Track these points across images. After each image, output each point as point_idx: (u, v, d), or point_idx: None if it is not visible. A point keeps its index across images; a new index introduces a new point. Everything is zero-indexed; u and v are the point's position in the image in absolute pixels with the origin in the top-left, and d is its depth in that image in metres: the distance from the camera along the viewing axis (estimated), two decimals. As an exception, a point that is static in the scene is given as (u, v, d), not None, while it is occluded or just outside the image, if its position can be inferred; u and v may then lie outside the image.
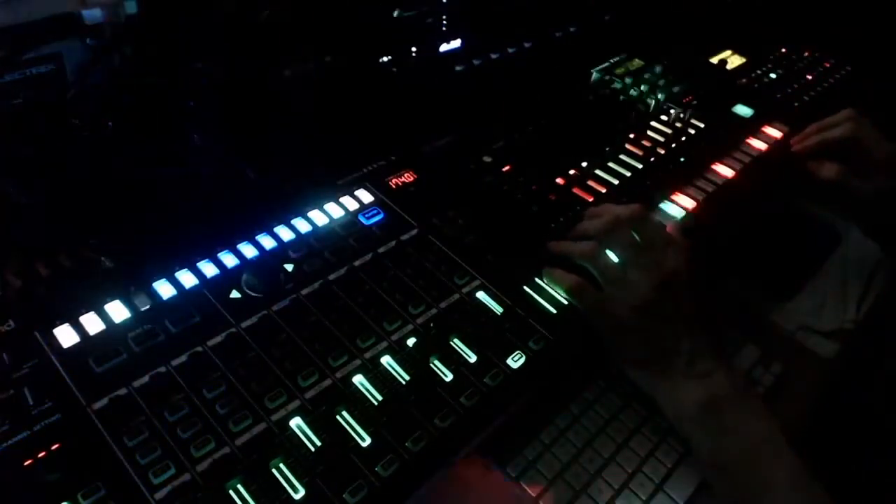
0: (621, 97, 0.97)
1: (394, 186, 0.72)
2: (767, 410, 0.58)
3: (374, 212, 0.68)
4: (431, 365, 0.55)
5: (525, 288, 0.63)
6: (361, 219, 0.67)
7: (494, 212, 0.71)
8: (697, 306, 0.60)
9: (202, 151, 0.72)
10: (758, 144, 0.92)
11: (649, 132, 0.90)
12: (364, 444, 0.49)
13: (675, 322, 0.58)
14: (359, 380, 0.53)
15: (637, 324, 0.58)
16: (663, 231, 0.64)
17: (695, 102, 0.95)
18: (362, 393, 0.52)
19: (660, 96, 0.95)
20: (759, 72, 1.10)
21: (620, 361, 0.62)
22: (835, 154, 0.80)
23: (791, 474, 0.54)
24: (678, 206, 0.78)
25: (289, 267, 0.60)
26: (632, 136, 0.88)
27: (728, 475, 0.56)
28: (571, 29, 1.06)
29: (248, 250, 0.61)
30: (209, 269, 0.59)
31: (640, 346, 0.59)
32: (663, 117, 0.93)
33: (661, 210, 0.77)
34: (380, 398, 0.52)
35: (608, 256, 0.61)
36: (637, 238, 0.62)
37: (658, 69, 1.03)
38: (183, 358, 0.52)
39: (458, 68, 0.91)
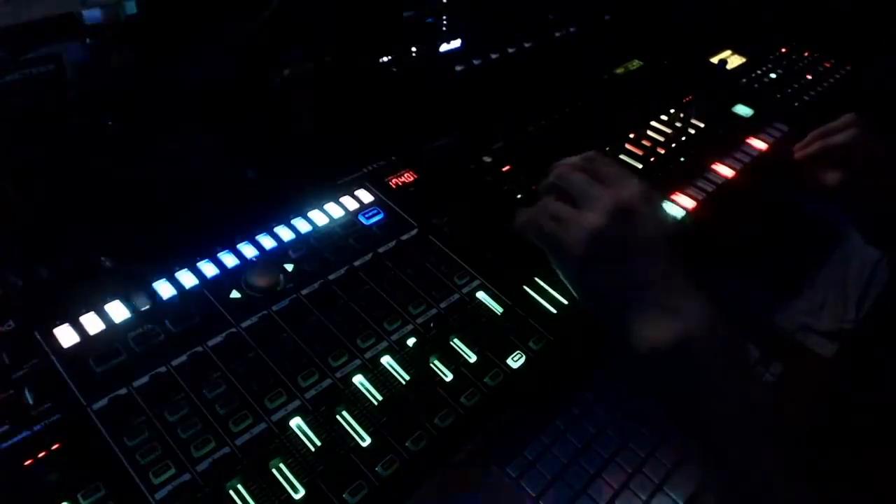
0: (621, 97, 0.97)
1: (394, 186, 0.72)
2: (742, 357, 0.52)
3: (374, 212, 0.68)
4: (431, 365, 0.55)
5: (525, 288, 0.63)
6: (361, 219, 0.67)
7: (495, 212, 0.71)
8: (664, 238, 0.55)
9: (202, 151, 0.72)
10: (758, 144, 0.92)
11: (649, 132, 0.90)
12: (364, 444, 0.49)
13: (635, 251, 0.53)
14: (359, 380, 0.53)
15: (594, 253, 0.54)
16: (618, 167, 0.60)
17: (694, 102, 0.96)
18: (362, 393, 0.52)
19: (659, 96, 0.95)
20: (759, 72, 1.10)
21: (592, 306, 0.58)
22: (837, 160, 0.80)
23: (790, 477, 0.53)
24: (678, 206, 0.78)
25: (289, 267, 0.60)
26: (632, 136, 0.88)
27: (692, 419, 0.50)
28: (571, 29, 1.07)
29: (248, 250, 0.61)
30: (209, 269, 0.59)
31: (604, 279, 0.55)
32: (663, 117, 0.93)
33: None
34: (380, 398, 0.52)
35: (559, 202, 0.58)
36: (589, 176, 0.58)
37: (658, 69, 1.03)
38: (183, 358, 0.52)
39: (458, 68, 0.91)
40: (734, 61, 1.12)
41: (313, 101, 0.79)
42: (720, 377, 0.50)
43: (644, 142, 0.88)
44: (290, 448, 0.48)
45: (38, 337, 0.51)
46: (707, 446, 0.50)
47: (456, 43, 0.89)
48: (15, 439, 0.45)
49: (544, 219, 0.58)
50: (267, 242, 0.62)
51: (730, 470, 0.49)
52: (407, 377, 0.54)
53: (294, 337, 0.55)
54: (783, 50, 1.18)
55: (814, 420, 0.71)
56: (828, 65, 1.16)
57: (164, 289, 0.57)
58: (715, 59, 1.10)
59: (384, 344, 0.56)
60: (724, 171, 0.86)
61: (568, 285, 0.59)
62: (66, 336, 0.52)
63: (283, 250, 0.62)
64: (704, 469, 0.53)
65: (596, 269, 0.55)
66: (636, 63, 1.06)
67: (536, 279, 0.64)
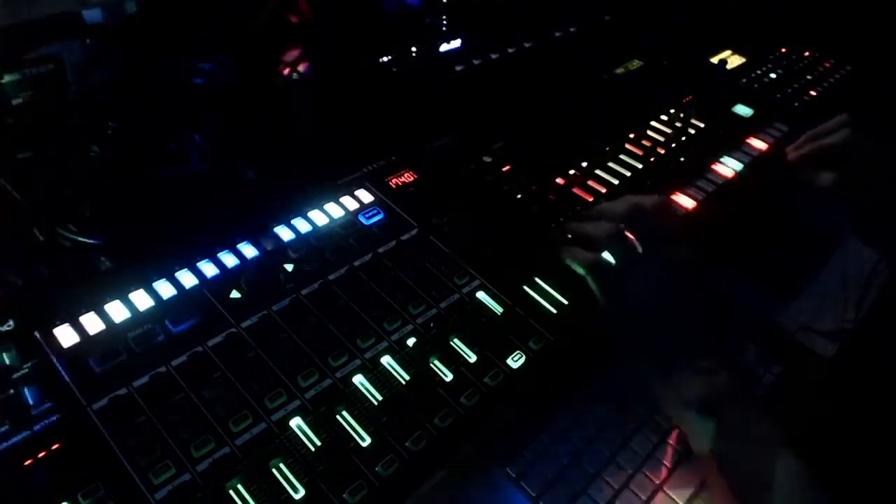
0: (621, 97, 0.97)
1: (394, 186, 0.72)
2: (767, 413, 0.58)
3: (374, 212, 0.68)
4: (431, 365, 0.55)
5: (525, 288, 0.63)
6: (361, 219, 0.67)
7: (495, 212, 0.71)
8: (707, 303, 0.60)
9: (202, 151, 0.72)
10: (758, 144, 0.92)
11: (649, 132, 0.90)
12: (364, 444, 0.49)
13: (684, 316, 0.58)
14: (359, 380, 0.53)
15: (649, 313, 0.58)
16: (681, 224, 0.65)
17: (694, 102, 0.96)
18: (362, 393, 0.52)
19: (659, 96, 0.95)
20: (759, 72, 1.10)
21: (628, 349, 0.62)
22: (831, 161, 0.80)
23: (790, 477, 0.54)
24: (678, 206, 0.78)
25: (289, 267, 0.60)
26: (632, 136, 0.88)
27: (727, 476, 0.56)
28: (571, 29, 1.07)
29: (248, 250, 0.61)
30: (209, 269, 0.59)
31: (648, 335, 0.59)
32: (663, 117, 0.93)
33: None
34: (380, 398, 0.52)
35: (630, 241, 0.61)
36: (656, 225, 0.62)
37: (658, 69, 1.03)
38: (183, 358, 0.52)
39: (458, 68, 0.91)
40: (734, 61, 1.12)
41: (314, 100, 0.79)
42: (742, 424, 0.56)
43: (644, 142, 0.88)
44: (290, 448, 0.48)
45: (38, 337, 0.51)
46: (730, 479, 0.55)
47: (456, 43, 0.89)
48: (15, 439, 0.45)
49: (602, 244, 0.61)
50: (267, 242, 0.62)
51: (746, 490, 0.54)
52: (407, 377, 0.54)
53: (294, 337, 0.55)
54: (783, 50, 1.18)
55: (814, 420, 0.71)
56: (828, 65, 1.16)
57: (164, 289, 0.57)
58: (715, 59, 1.10)
59: (384, 344, 0.56)
60: (724, 171, 0.86)
61: (600, 302, 0.61)
62: (66, 336, 0.52)
63: (283, 250, 0.62)
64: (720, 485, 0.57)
65: (644, 326, 0.59)
66: (636, 63, 1.06)
67: (536, 279, 0.64)
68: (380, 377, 0.54)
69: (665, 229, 0.62)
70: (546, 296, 0.63)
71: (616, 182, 0.80)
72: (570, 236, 0.66)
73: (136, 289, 0.56)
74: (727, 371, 0.57)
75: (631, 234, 0.61)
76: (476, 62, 0.92)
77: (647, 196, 0.64)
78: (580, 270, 0.62)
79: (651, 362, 0.60)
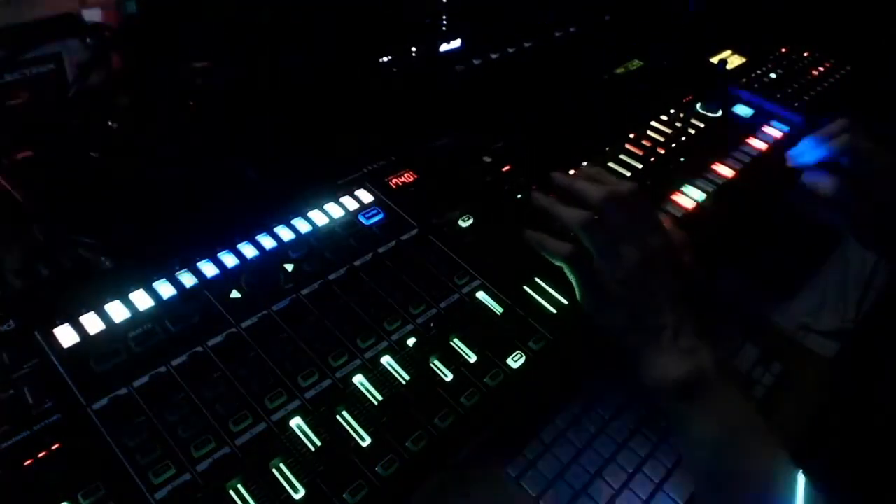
0: (621, 97, 0.97)
1: (394, 186, 0.72)
2: (746, 396, 0.58)
3: (374, 212, 0.68)
4: (431, 365, 0.55)
5: (525, 288, 0.63)
6: (361, 219, 0.67)
7: (494, 212, 0.71)
8: (685, 287, 0.60)
9: (202, 151, 0.72)
10: (758, 144, 0.92)
11: (649, 132, 0.90)
12: (364, 444, 0.49)
13: (660, 299, 0.58)
14: (359, 380, 0.53)
15: (624, 297, 0.58)
16: (654, 211, 0.64)
17: (694, 102, 0.96)
18: (362, 393, 0.52)
19: (659, 96, 0.95)
20: (759, 72, 1.10)
21: (609, 334, 0.61)
22: (830, 166, 0.80)
23: (767, 459, 0.54)
24: (678, 206, 0.78)
25: (289, 267, 0.60)
26: (632, 135, 0.88)
27: (704, 455, 0.56)
28: (571, 29, 1.07)
29: (248, 250, 0.61)
30: (209, 269, 0.59)
31: (626, 319, 0.59)
32: (663, 117, 0.93)
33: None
34: (380, 398, 0.52)
35: (604, 229, 0.60)
36: (631, 214, 0.61)
37: (658, 69, 1.03)
38: (183, 358, 0.52)
39: (458, 68, 0.91)
40: (734, 61, 1.12)
41: (314, 100, 0.79)
42: (726, 401, 0.56)
43: (644, 142, 0.88)
44: (290, 448, 0.48)
45: (38, 337, 0.51)
46: (710, 462, 0.55)
47: (456, 43, 0.89)
48: (15, 439, 0.45)
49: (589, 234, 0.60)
50: (267, 242, 0.62)
51: (731, 482, 0.54)
52: (407, 377, 0.54)
53: (294, 337, 0.55)
54: (783, 50, 1.18)
55: (814, 420, 0.71)
56: (828, 65, 1.16)
57: (164, 289, 0.57)
58: (715, 59, 1.10)
59: (384, 344, 0.56)
60: (724, 171, 0.86)
61: (584, 306, 0.61)
62: (66, 336, 0.52)
63: (283, 250, 0.62)
64: (703, 484, 0.57)
65: (621, 310, 0.59)
66: (636, 63, 1.06)
67: (536, 279, 0.64)
68: (380, 377, 0.54)
69: (641, 215, 0.61)
70: (546, 296, 0.63)
71: (616, 182, 0.80)
72: (536, 205, 0.65)
73: (136, 289, 0.56)
74: (708, 350, 0.57)
75: (607, 221, 0.60)
76: (476, 62, 0.92)
77: (620, 182, 0.63)
78: (557, 262, 0.62)
79: (632, 343, 0.59)
